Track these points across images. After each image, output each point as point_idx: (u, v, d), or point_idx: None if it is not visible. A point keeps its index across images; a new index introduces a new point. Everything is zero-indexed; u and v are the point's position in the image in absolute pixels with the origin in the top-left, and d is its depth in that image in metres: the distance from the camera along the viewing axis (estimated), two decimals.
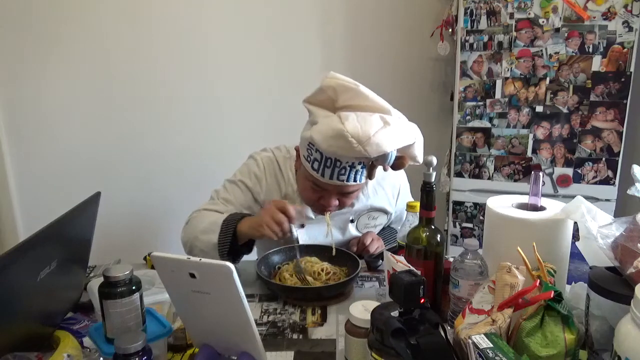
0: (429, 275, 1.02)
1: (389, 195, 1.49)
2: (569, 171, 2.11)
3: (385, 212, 1.50)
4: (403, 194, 1.53)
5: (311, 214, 1.41)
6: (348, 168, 1.20)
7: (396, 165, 1.21)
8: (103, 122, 2.46)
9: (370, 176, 1.25)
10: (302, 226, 1.44)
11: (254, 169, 1.43)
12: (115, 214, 2.37)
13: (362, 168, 1.21)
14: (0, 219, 2.49)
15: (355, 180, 1.22)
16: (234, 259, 1.31)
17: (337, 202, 1.30)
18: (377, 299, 1.19)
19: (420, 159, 1.23)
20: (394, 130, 1.13)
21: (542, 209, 1.03)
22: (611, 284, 0.83)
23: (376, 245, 1.41)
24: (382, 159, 1.16)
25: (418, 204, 1.09)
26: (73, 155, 2.47)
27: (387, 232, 1.55)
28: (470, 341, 0.77)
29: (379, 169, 1.30)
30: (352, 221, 1.47)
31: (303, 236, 1.44)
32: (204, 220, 1.34)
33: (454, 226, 2.29)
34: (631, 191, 0.93)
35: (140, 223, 2.57)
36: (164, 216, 2.56)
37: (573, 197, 0.98)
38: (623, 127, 2.01)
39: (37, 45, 2.34)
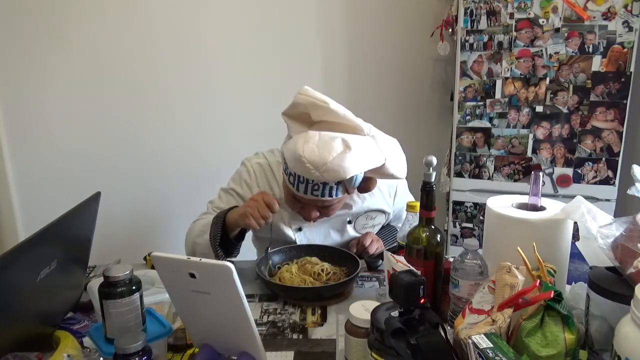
0: (429, 275, 1.02)
1: (385, 195, 1.48)
2: (569, 171, 2.11)
3: (382, 212, 1.50)
4: (401, 192, 1.52)
5: None
6: (321, 185, 1.19)
7: (362, 188, 1.21)
8: (103, 122, 2.46)
9: (347, 191, 1.24)
10: (300, 229, 1.45)
11: (245, 176, 1.44)
12: (115, 214, 2.38)
13: (336, 184, 1.20)
14: (0, 219, 2.49)
15: (330, 196, 1.21)
16: (228, 251, 1.33)
17: (317, 214, 1.29)
18: (377, 299, 1.18)
19: (399, 174, 1.22)
20: (355, 155, 1.11)
21: (542, 209, 1.03)
22: (611, 284, 0.83)
23: (376, 246, 1.41)
24: (346, 182, 1.17)
25: (418, 204, 1.09)
26: (73, 155, 2.47)
27: (386, 231, 1.54)
28: (470, 341, 0.77)
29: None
30: (349, 222, 1.47)
31: (302, 239, 1.45)
32: (198, 225, 1.39)
33: (454, 226, 2.29)
34: (631, 191, 0.93)
35: (140, 223, 2.57)
36: (164, 216, 2.56)
37: (573, 197, 0.98)
38: (623, 127, 2.01)
39: (38, 46, 2.34)
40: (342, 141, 1.13)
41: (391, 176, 1.21)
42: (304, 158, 1.11)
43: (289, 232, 1.44)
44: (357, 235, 1.48)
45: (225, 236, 1.31)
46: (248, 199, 1.32)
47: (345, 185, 1.21)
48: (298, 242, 1.44)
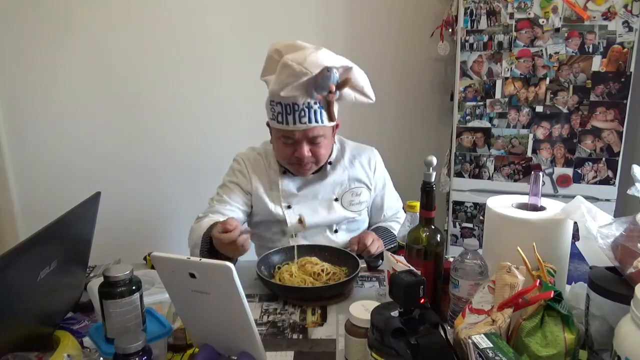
0: (429, 275, 1.02)
1: (365, 166, 1.56)
2: (569, 171, 2.11)
3: (365, 186, 1.56)
4: (380, 169, 1.59)
5: (293, 188, 1.48)
6: (306, 109, 1.33)
7: (341, 85, 1.32)
8: (103, 122, 2.46)
9: (330, 117, 1.37)
10: (289, 207, 1.48)
11: (236, 166, 1.53)
12: (115, 214, 2.37)
13: (319, 108, 1.34)
14: (0, 219, 2.49)
15: (317, 122, 1.35)
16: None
17: (309, 153, 1.39)
18: (377, 299, 1.19)
19: (368, 92, 1.38)
20: (325, 51, 1.29)
21: (542, 209, 1.03)
22: (611, 284, 0.83)
23: (377, 245, 1.41)
24: (325, 79, 1.28)
25: (418, 204, 1.09)
26: (73, 155, 2.47)
27: (385, 233, 1.55)
28: (470, 341, 0.77)
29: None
30: (336, 200, 1.52)
31: (291, 215, 1.47)
32: (195, 231, 1.37)
33: (454, 226, 2.29)
34: (631, 191, 0.93)
35: (140, 223, 2.57)
36: (164, 216, 2.57)
37: (573, 197, 0.98)
38: (623, 127, 2.01)
39: (38, 46, 2.34)
40: (313, 47, 1.29)
41: (361, 89, 1.36)
42: (287, 58, 1.24)
43: (279, 210, 1.48)
44: (345, 213, 1.52)
45: (215, 254, 1.24)
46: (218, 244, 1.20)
47: (328, 111, 1.35)
48: (288, 220, 1.47)
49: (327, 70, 1.27)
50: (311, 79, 1.27)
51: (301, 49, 1.29)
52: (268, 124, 1.45)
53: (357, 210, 1.54)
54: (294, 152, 1.40)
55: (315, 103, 1.34)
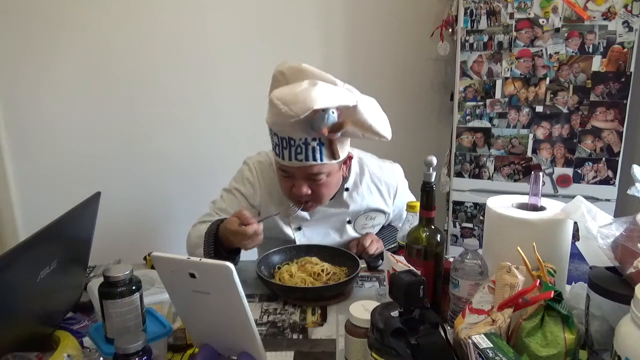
0: (429, 275, 1.02)
1: (384, 195, 1.48)
2: (569, 171, 2.11)
3: (382, 212, 1.50)
4: (401, 192, 1.51)
5: (307, 215, 1.41)
6: (303, 146, 1.20)
7: (335, 129, 1.19)
8: (103, 122, 2.46)
9: (333, 155, 1.24)
10: (299, 228, 1.45)
11: (247, 174, 1.44)
12: (115, 214, 2.37)
13: (318, 145, 1.21)
14: (0, 219, 2.48)
15: (315, 160, 1.23)
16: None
17: (308, 190, 1.28)
18: (377, 299, 1.19)
19: (380, 130, 1.22)
20: (321, 89, 1.12)
21: (542, 209, 1.03)
22: (611, 284, 0.83)
23: (376, 247, 1.41)
24: (319, 120, 1.14)
25: (418, 204, 1.09)
26: (73, 155, 2.47)
27: (387, 231, 1.54)
28: (470, 341, 0.77)
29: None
30: (349, 222, 1.47)
31: (301, 238, 1.45)
32: (194, 235, 1.37)
33: (454, 226, 2.29)
34: (631, 191, 0.93)
35: (140, 223, 2.57)
36: (164, 216, 2.56)
37: (573, 197, 0.98)
38: (623, 127, 2.01)
39: (38, 46, 2.34)
40: (309, 81, 1.15)
41: (369, 127, 1.20)
42: (273, 96, 1.12)
43: (289, 231, 1.44)
44: (356, 235, 1.48)
45: (219, 250, 1.27)
46: (225, 227, 1.24)
47: (329, 149, 1.22)
48: (297, 242, 1.43)
49: (322, 110, 1.13)
50: (305, 117, 1.12)
51: (300, 79, 1.17)
52: None
53: (369, 232, 1.47)
54: (292, 188, 1.30)
55: (314, 139, 1.21)
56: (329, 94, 1.14)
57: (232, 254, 1.29)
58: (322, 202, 1.34)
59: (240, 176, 1.45)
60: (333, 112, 1.15)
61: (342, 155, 1.28)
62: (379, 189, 1.46)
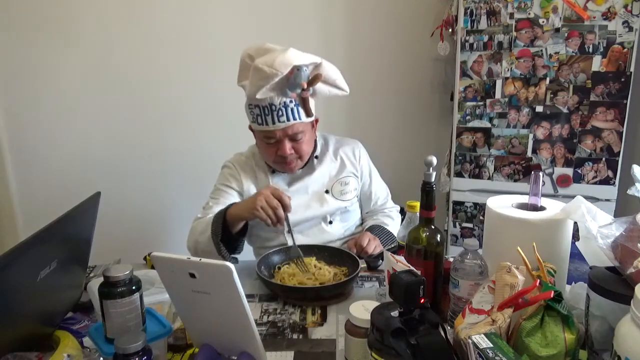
0: (429, 275, 1.02)
1: (350, 157, 1.60)
2: (569, 171, 2.11)
3: (353, 174, 1.59)
4: (364, 158, 1.63)
5: (283, 185, 1.51)
6: (283, 109, 1.37)
7: (312, 81, 1.36)
8: (103, 122, 2.46)
9: (307, 113, 1.40)
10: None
11: (227, 171, 1.57)
12: (115, 214, 2.37)
13: (295, 106, 1.38)
14: (0, 219, 2.49)
15: (295, 119, 1.39)
16: (230, 247, 1.36)
17: (292, 150, 1.43)
18: (377, 299, 1.18)
19: (342, 85, 1.41)
20: (293, 50, 1.34)
21: (542, 209, 1.03)
22: (611, 284, 0.83)
23: (374, 245, 1.42)
24: (296, 77, 1.32)
25: (418, 204, 1.09)
26: (73, 155, 2.47)
27: (380, 230, 1.55)
28: (470, 341, 0.77)
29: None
30: (327, 192, 1.54)
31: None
32: (201, 223, 1.42)
33: (454, 226, 2.29)
34: (631, 191, 0.93)
35: (140, 223, 2.57)
36: (164, 216, 2.56)
37: (573, 197, 0.98)
38: (623, 127, 2.01)
39: (38, 46, 2.34)
40: (281, 48, 1.35)
41: (334, 82, 1.40)
42: (257, 62, 1.29)
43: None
44: (337, 202, 1.54)
45: (227, 232, 1.34)
46: (256, 192, 1.38)
47: (304, 107, 1.38)
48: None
49: (297, 68, 1.31)
50: (283, 79, 1.31)
51: (270, 51, 1.34)
52: (250, 128, 1.50)
53: (348, 199, 1.56)
54: (277, 151, 1.44)
55: (291, 101, 1.38)
56: (300, 54, 1.35)
57: (238, 236, 1.38)
58: (303, 158, 1.49)
59: (222, 176, 1.57)
60: (306, 69, 1.34)
61: (314, 113, 1.45)
62: (345, 152, 1.60)
